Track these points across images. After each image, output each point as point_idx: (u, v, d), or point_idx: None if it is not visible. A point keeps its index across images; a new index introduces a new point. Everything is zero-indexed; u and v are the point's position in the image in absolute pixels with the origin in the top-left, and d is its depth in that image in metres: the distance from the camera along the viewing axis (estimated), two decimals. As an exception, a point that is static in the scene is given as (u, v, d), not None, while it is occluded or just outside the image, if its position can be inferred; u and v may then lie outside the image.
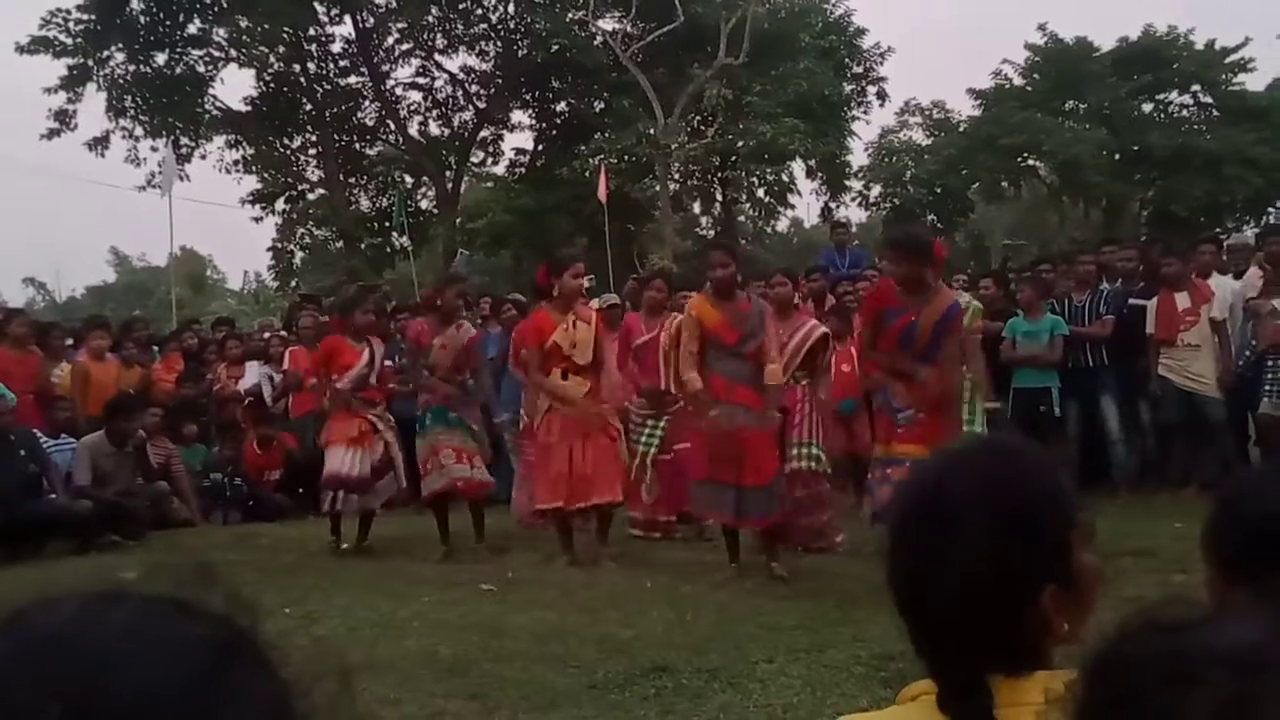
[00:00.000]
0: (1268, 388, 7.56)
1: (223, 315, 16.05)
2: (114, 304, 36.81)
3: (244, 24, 22.95)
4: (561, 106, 26.00)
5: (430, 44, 25.27)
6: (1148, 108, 24.58)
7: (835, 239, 12.31)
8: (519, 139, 26.96)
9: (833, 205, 26.51)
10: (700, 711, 3.77)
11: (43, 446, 8.14)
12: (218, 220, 74.09)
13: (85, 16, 22.21)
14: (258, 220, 25.98)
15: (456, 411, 7.19)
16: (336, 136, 25.36)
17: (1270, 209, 23.29)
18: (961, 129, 25.31)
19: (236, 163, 25.03)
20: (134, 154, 23.74)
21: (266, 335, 11.54)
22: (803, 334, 6.86)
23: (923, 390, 5.61)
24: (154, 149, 23.41)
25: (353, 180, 26.26)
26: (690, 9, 21.43)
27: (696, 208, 29.74)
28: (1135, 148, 23.30)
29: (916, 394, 5.61)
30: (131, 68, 23.26)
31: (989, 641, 1.20)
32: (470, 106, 26.10)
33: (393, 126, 25.79)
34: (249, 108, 24.65)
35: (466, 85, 25.91)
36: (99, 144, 23.46)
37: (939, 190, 24.49)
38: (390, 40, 25.18)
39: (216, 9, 22.99)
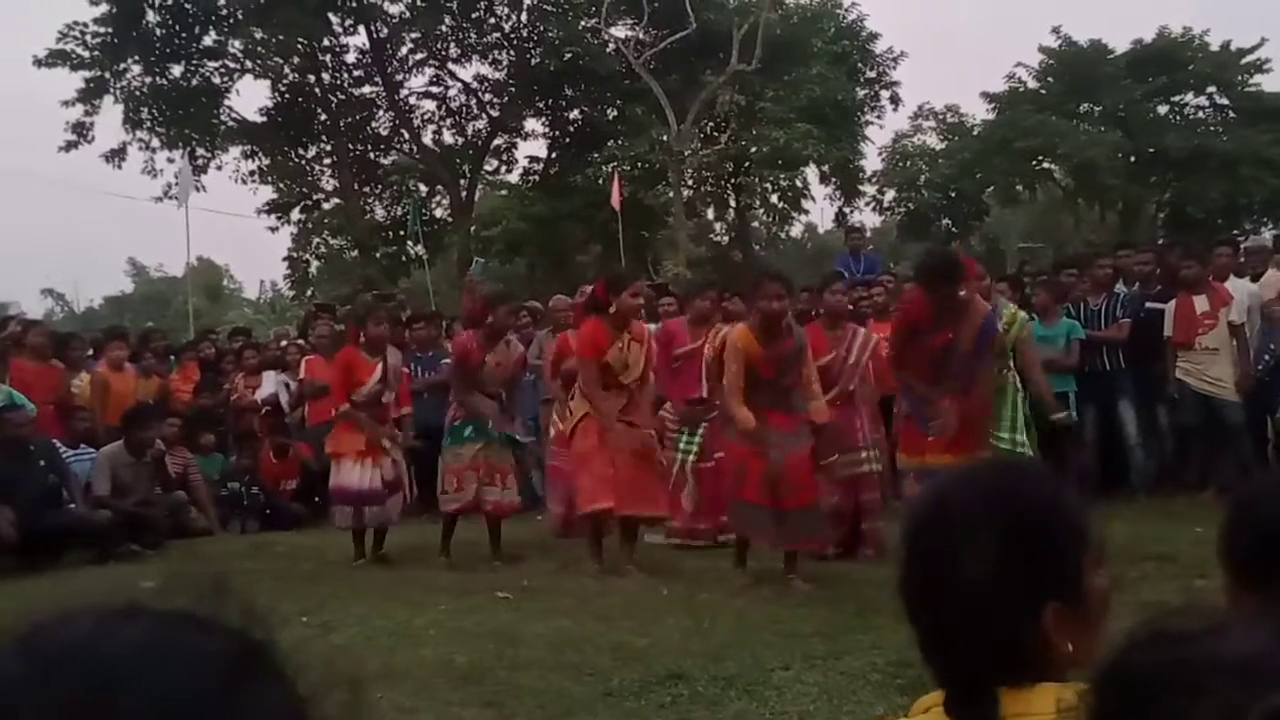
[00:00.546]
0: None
1: (239, 325, 16.13)
2: (132, 314, 37.06)
3: (259, 35, 23.10)
4: (575, 114, 26.07)
5: (444, 53, 25.38)
6: (1163, 110, 24.48)
7: (850, 244, 12.28)
8: (532, 147, 27.08)
9: (847, 210, 26.53)
10: (716, 719, 3.77)
11: (62, 457, 8.19)
12: (234, 230, 74.48)
13: (102, 29, 22.41)
14: (273, 230, 26.18)
15: (500, 428, 7.22)
16: (351, 146, 25.49)
17: (1287, 210, 23.16)
18: (975, 133, 25.25)
19: (252, 173, 25.22)
20: (151, 165, 23.97)
21: (283, 344, 11.59)
22: (860, 346, 6.92)
23: (957, 409, 5.63)
24: (170, 160, 23.61)
25: (367, 189, 26.38)
26: (703, 15, 21.46)
27: (710, 214, 29.77)
28: (1151, 150, 23.21)
29: (954, 410, 5.63)
30: (148, 80, 23.45)
31: (992, 652, 1.21)
32: (484, 115, 26.19)
33: (407, 136, 25.90)
34: (264, 118, 24.81)
35: (480, 94, 26.01)
36: (116, 156, 23.67)
37: (953, 194, 24.44)
38: (404, 50, 25.31)
39: (232, 21, 23.15)
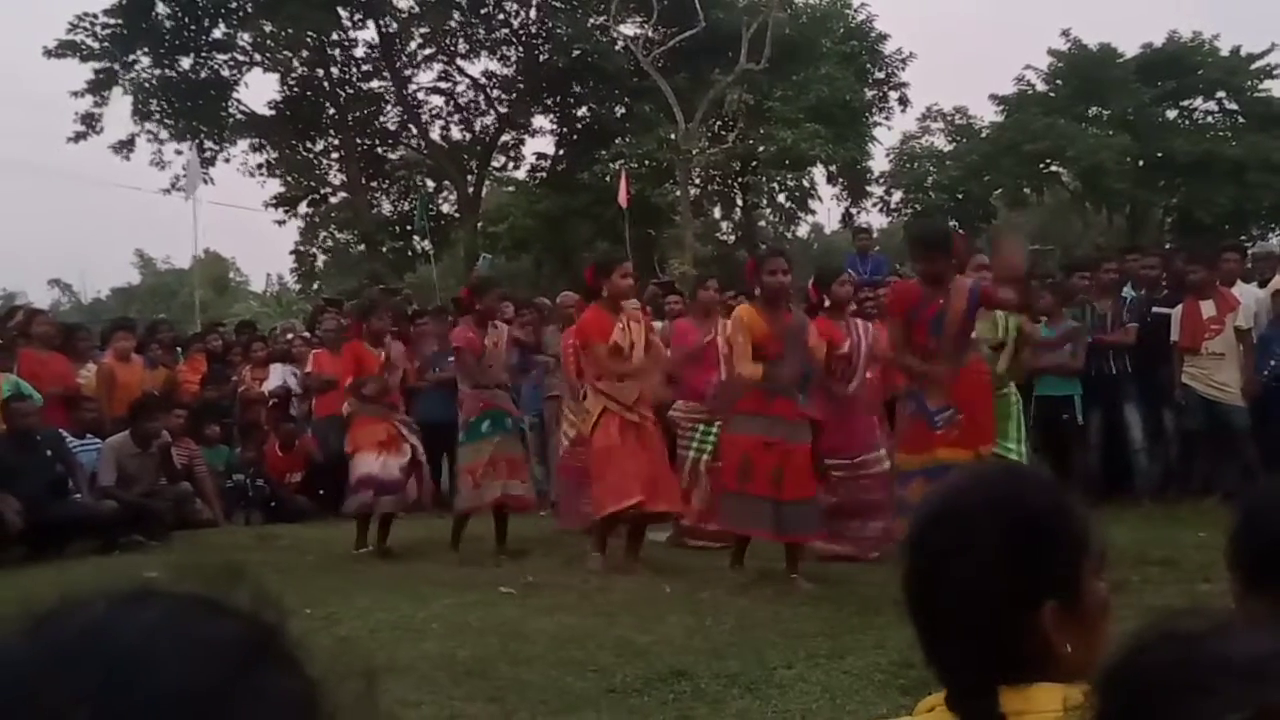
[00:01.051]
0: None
1: (246, 319, 16.15)
2: (138, 305, 37.11)
3: (268, 29, 23.12)
4: (583, 111, 26.07)
5: (452, 49, 25.39)
6: (1172, 114, 24.43)
7: (857, 245, 12.29)
8: (540, 144, 27.10)
9: (854, 211, 26.49)
10: (718, 717, 3.77)
11: (69, 447, 8.21)
12: (241, 223, 74.66)
13: (112, 21, 22.46)
14: (280, 223, 26.22)
15: (511, 415, 7.24)
16: (359, 140, 25.51)
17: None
18: (984, 135, 25.20)
19: (260, 166, 25.27)
20: (159, 157, 24.03)
21: (289, 336, 11.62)
22: (865, 333, 6.95)
23: (955, 383, 5.62)
24: (178, 152, 23.61)
25: (375, 184, 26.41)
26: (712, 14, 21.43)
27: (717, 213, 29.73)
28: (1159, 154, 23.16)
29: (952, 391, 5.62)
30: (157, 72, 23.50)
31: (992, 650, 1.23)
32: (492, 111, 26.20)
33: (415, 131, 25.92)
34: (272, 112, 24.84)
35: (488, 90, 26.02)
36: (124, 147, 23.72)
37: (961, 196, 24.40)
38: (413, 45, 25.33)
39: (241, 14, 23.18)
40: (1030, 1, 56.04)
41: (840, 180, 25.83)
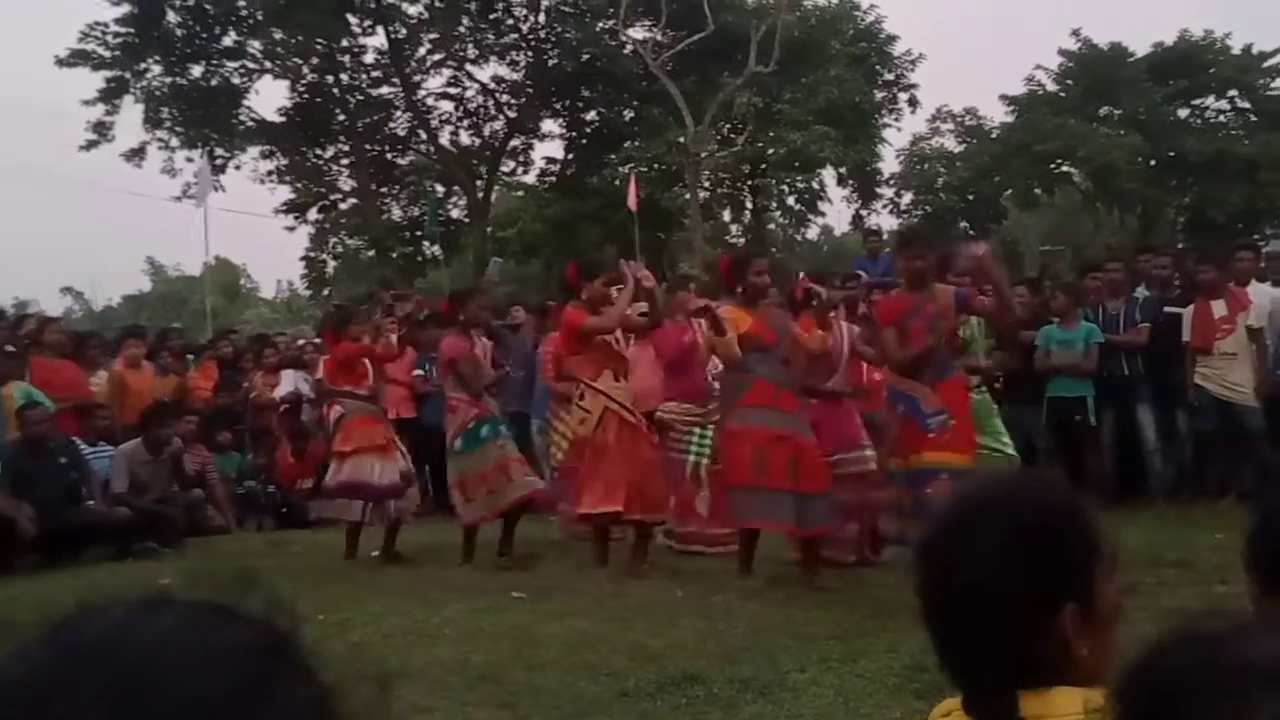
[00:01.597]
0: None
1: (259, 333, 16.22)
2: (149, 313, 37.23)
3: (278, 36, 23.23)
4: (592, 115, 26.10)
5: (461, 54, 25.45)
6: (1184, 113, 24.35)
7: (868, 247, 12.26)
8: (549, 148, 27.13)
9: (864, 213, 26.48)
10: (732, 721, 3.76)
11: (82, 454, 8.25)
12: (251, 230, 74.95)
13: (123, 30, 22.58)
14: (291, 230, 26.31)
15: (501, 419, 7.23)
16: (369, 146, 25.59)
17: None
18: (994, 135, 25.16)
19: (270, 173, 25.36)
20: (170, 165, 24.15)
21: (300, 342, 11.65)
22: (850, 340, 6.95)
23: (951, 389, 5.61)
24: (189, 160, 23.77)
25: (384, 190, 26.47)
26: (720, 17, 21.45)
27: (726, 216, 29.74)
28: (1171, 154, 23.10)
29: (941, 398, 5.62)
30: (168, 80, 23.61)
31: (1010, 654, 1.23)
32: (501, 116, 26.25)
33: (424, 136, 25.98)
34: (283, 119, 24.93)
35: (497, 95, 26.07)
36: (136, 155, 23.87)
37: (971, 197, 24.36)
38: (422, 51, 25.39)
39: (251, 21, 23.29)
40: (1040, 1, 55.91)
41: (850, 182, 25.81)
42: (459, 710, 3.89)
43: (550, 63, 25.10)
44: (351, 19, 23.89)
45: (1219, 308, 8.09)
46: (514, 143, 26.48)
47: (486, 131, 26.45)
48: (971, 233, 23.68)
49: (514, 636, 4.97)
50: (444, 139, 26.13)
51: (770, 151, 23.30)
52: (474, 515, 7.04)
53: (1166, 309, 8.49)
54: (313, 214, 26.23)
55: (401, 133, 26.29)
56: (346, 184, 26.24)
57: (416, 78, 25.58)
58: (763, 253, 6.76)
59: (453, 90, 25.96)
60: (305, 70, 24.86)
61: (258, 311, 38.05)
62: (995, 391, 7.68)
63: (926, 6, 59.14)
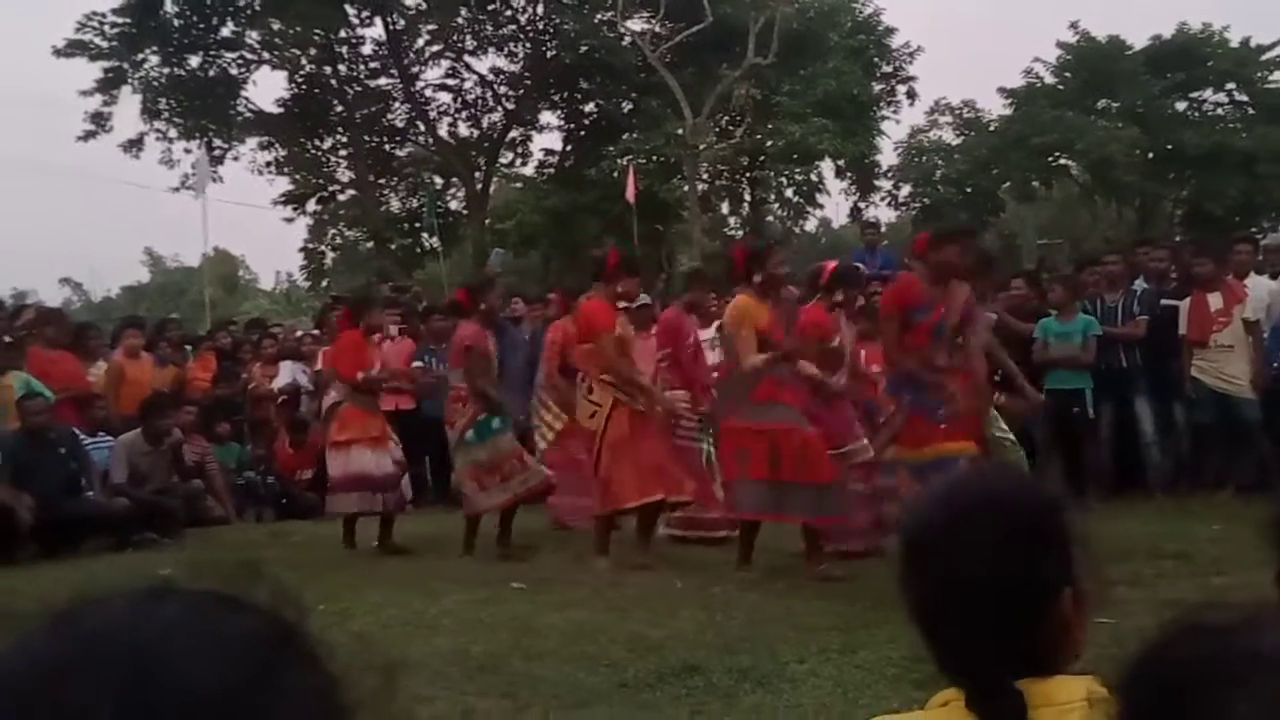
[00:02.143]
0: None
1: (256, 317, 16.18)
2: (148, 304, 37.20)
3: (276, 27, 23.18)
4: (590, 107, 26.06)
5: (460, 45, 25.40)
6: (1181, 106, 24.35)
7: (865, 239, 12.24)
8: (547, 140, 27.09)
9: (862, 205, 26.45)
10: (731, 711, 3.77)
11: (82, 445, 8.24)
12: (250, 221, 74.80)
13: (120, 20, 22.52)
14: (289, 221, 26.29)
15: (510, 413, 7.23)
16: (367, 138, 25.55)
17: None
18: (992, 128, 25.15)
19: (269, 164, 25.33)
20: (168, 156, 24.11)
21: (299, 334, 11.64)
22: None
23: (966, 388, 5.61)
24: (188, 151, 23.74)
25: (383, 181, 26.43)
26: (719, 9, 21.40)
27: (725, 208, 29.70)
28: (1169, 147, 23.09)
29: (961, 389, 5.61)
30: (165, 70, 23.56)
31: (1013, 645, 1.24)
32: (499, 107, 26.21)
33: (422, 128, 25.94)
34: (281, 110, 24.89)
35: (495, 86, 26.03)
36: (134, 146, 23.83)
37: (969, 190, 24.36)
38: (420, 42, 25.34)
39: (249, 12, 23.23)
40: (1038, -6, 55.76)
41: (848, 174, 25.79)
42: (459, 700, 3.89)
43: (549, 54, 25.05)
44: (349, 9, 23.82)
45: (1216, 300, 8.09)
46: (512, 134, 26.45)
47: (485, 123, 26.43)
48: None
49: (513, 627, 4.98)
50: (442, 130, 26.11)
51: (769, 144, 23.28)
52: (487, 503, 7.00)
53: (1164, 302, 8.49)
54: (311, 205, 26.20)
55: (400, 124, 26.25)
56: (345, 175, 26.21)
57: (415, 69, 25.54)
58: (782, 243, 6.66)
59: (451, 81, 25.95)
60: (303, 61, 24.81)
61: (256, 303, 37.96)
62: (993, 384, 7.68)
63: (925, -1, 58.96)
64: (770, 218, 30.28)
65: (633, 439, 6.39)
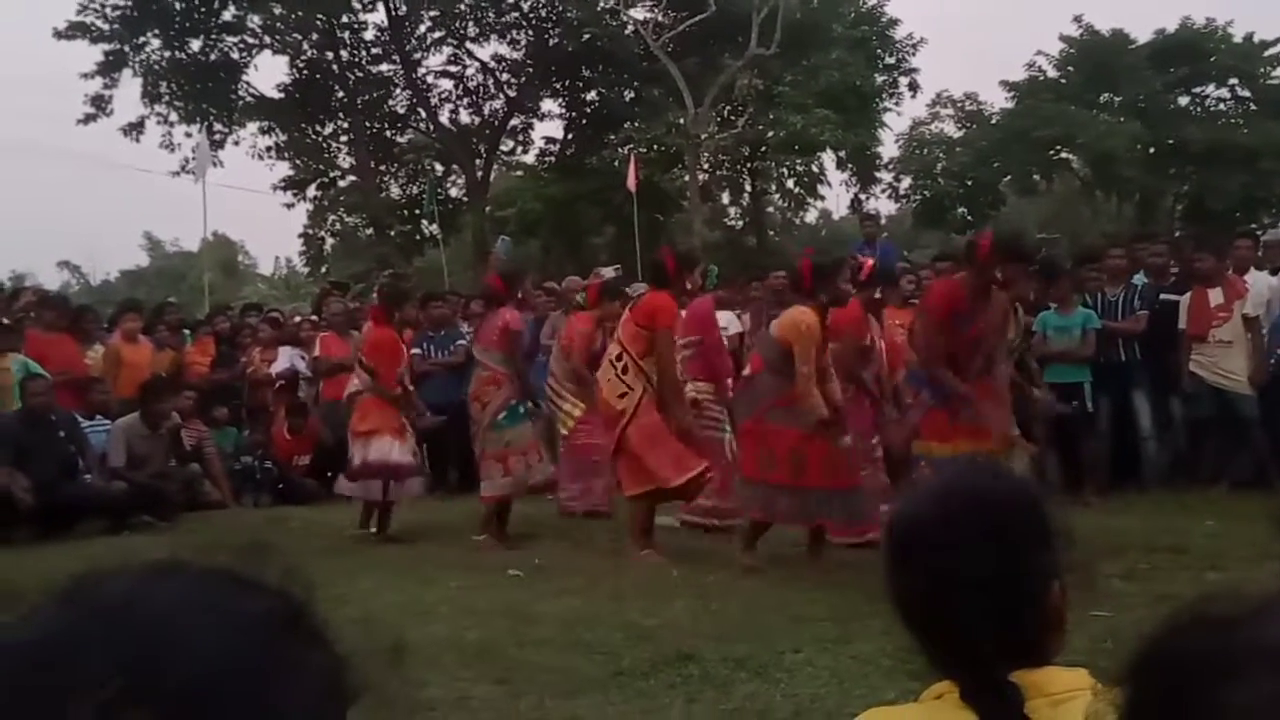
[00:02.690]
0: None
1: (251, 301, 16.16)
2: (147, 288, 37.11)
3: (278, 11, 23.11)
4: (592, 95, 26.00)
5: (462, 32, 25.33)
6: (1184, 101, 24.31)
7: (865, 232, 12.22)
8: (549, 128, 27.04)
9: (862, 197, 26.43)
10: (726, 700, 3.77)
11: (81, 428, 8.24)
12: (250, 206, 74.66)
13: (122, 2, 22.47)
14: (289, 206, 26.24)
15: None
16: (368, 124, 25.49)
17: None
18: (994, 121, 25.11)
19: (269, 149, 25.28)
20: (169, 139, 24.05)
21: (297, 319, 11.63)
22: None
23: (985, 396, 5.63)
24: (188, 135, 23.68)
25: (383, 168, 26.39)
26: (722, -2, 21.37)
27: (725, 198, 29.69)
28: (1170, 141, 23.05)
29: (986, 400, 5.63)
30: (167, 54, 23.49)
31: (1010, 638, 1.26)
32: (501, 95, 26.14)
33: (424, 114, 25.88)
34: (282, 94, 24.82)
35: (497, 73, 25.96)
36: (134, 129, 23.77)
37: (970, 183, 24.32)
38: (422, 28, 25.27)
39: (251, -4, 23.16)
40: (1042, -13, 55.52)
41: (849, 166, 25.75)
42: (454, 686, 3.90)
43: (551, 42, 24.98)
44: (351, -5, 23.78)
45: (1216, 296, 8.09)
46: (513, 122, 26.41)
47: (486, 110, 26.38)
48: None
49: (509, 614, 4.99)
50: (443, 117, 26.07)
51: (770, 134, 23.22)
52: (504, 490, 7.03)
53: (1164, 296, 8.49)
54: (311, 191, 26.17)
55: (401, 110, 26.20)
56: (345, 161, 26.17)
57: (416, 55, 25.47)
58: (845, 260, 6.61)
59: (453, 68, 25.91)
60: (305, 46, 24.74)
61: (255, 288, 37.92)
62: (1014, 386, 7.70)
63: (929, -10, 58.67)
64: (771, 209, 30.27)
65: (663, 424, 6.43)
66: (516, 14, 25.15)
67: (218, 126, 23.91)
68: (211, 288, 19.12)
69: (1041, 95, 23.62)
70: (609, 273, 9.47)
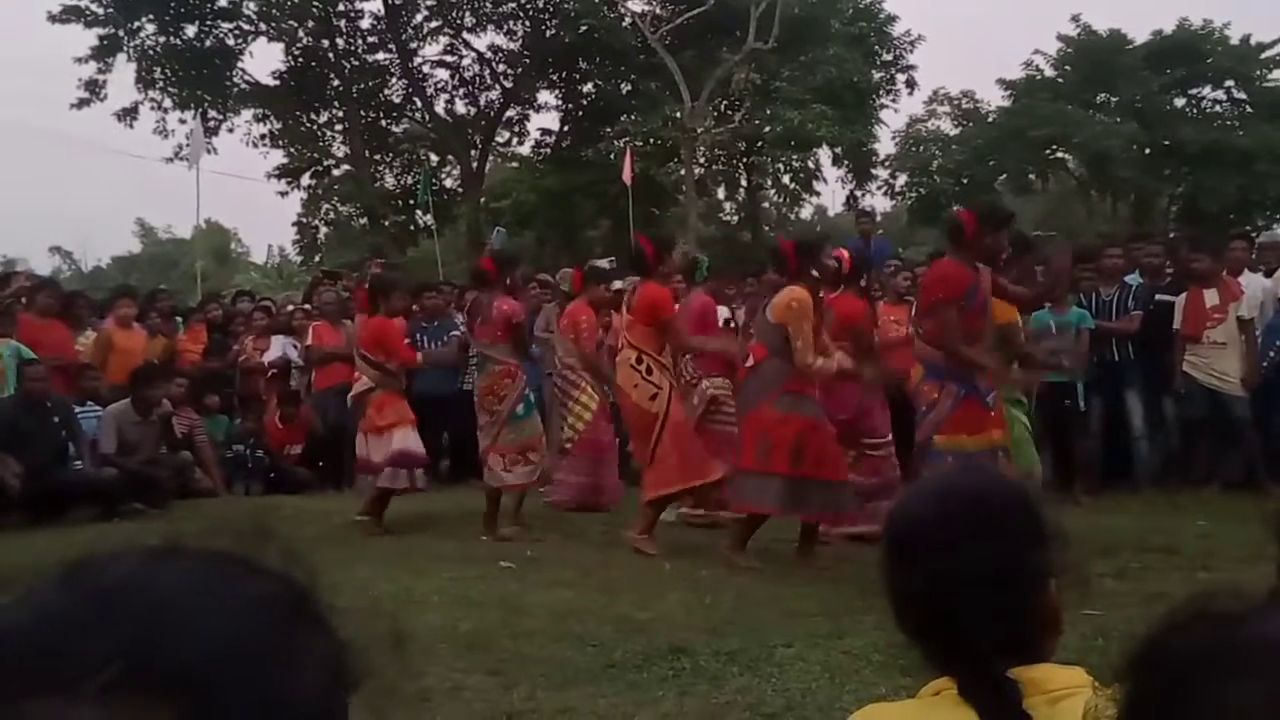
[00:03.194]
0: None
1: (243, 289, 16.11)
2: (139, 275, 37.02)
3: (274, -2, 23.00)
4: (588, 88, 25.95)
5: (459, 22, 25.25)
6: (1180, 102, 24.35)
7: (860, 228, 12.22)
8: (545, 119, 26.99)
9: (858, 194, 26.42)
10: (718, 694, 3.77)
11: (75, 415, 8.22)
12: (243, 194, 74.54)
13: (117, -14, 22.31)
14: (283, 195, 26.11)
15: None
16: (363, 113, 25.40)
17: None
18: (990, 120, 25.13)
19: (263, 137, 25.17)
20: (162, 126, 23.93)
21: (290, 308, 11.59)
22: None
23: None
24: (182, 121, 23.53)
25: (378, 157, 26.31)
26: (720, -8, 21.33)
27: (721, 193, 29.64)
28: (1166, 142, 23.09)
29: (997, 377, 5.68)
30: (161, 39, 23.36)
31: (1009, 636, 1.27)
32: (497, 86, 26.08)
33: (419, 104, 25.81)
34: (277, 82, 24.72)
35: (494, 64, 25.90)
36: (128, 115, 23.62)
37: (966, 181, 24.34)
38: (419, 17, 25.18)
39: (247, -18, 23.05)
40: (1040, -14, 55.54)
41: (845, 162, 25.75)
42: (447, 676, 3.89)
43: (548, 33, 24.92)
44: (348, -17, 23.68)
45: (1211, 297, 8.12)
46: (509, 113, 26.34)
47: (482, 101, 26.32)
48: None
49: (502, 605, 4.99)
50: (439, 107, 26.00)
51: (767, 129, 23.21)
52: (523, 480, 7.04)
53: (1159, 297, 8.51)
54: (305, 179, 26.05)
55: (396, 100, 26.11)
56: (340, 150, 26.06)
57: (413, 44, 25.39)
58: (826, 238, 6.63)
59: (449, 58, 25.81)
60: (300, 33, 24.63)
61: (248, 276, 37.80)
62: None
63: (927, -13, 58.68)
64: (766, 204, 30.26)
65: (687, 422, 6.48)
66: (513, 4, 25.08)
67: (212, 113, 23.78)
68: (204, 275, 19.03)
69: (1038, 94, 23.64)
70: (604, 265, 9.45)
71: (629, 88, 24.87)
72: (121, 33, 22.80)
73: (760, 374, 6.01)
